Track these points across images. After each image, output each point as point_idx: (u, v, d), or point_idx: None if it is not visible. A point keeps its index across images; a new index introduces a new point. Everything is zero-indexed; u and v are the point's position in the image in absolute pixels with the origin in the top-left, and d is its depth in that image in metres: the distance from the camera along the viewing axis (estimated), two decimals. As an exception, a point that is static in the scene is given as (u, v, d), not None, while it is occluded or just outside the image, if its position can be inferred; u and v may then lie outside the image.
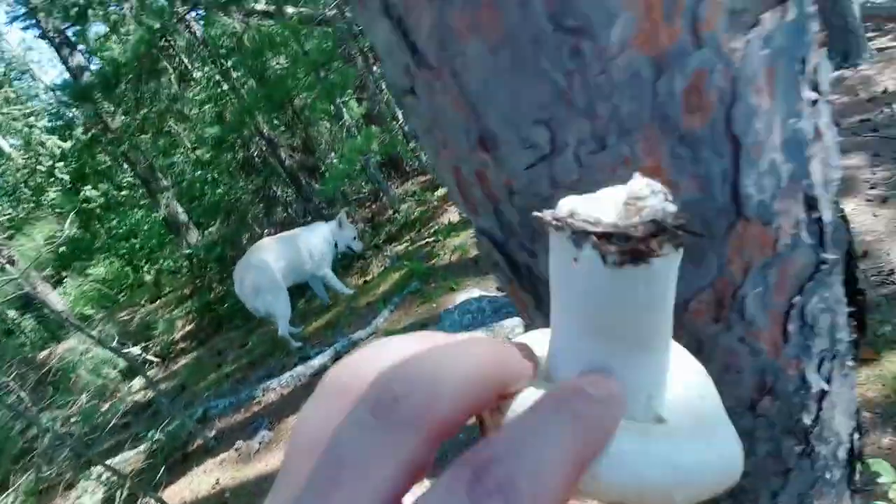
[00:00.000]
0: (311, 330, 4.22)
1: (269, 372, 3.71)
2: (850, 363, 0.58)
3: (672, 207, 0.19)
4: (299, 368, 3.41)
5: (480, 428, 0.23)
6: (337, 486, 0.16)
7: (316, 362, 3.45)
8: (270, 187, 6.31)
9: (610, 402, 0.19)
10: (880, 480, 1.12)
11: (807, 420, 0.51)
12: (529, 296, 0.52)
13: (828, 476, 0.58)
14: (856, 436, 0.62)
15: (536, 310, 0.53)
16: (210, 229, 6.42)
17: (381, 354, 0.21)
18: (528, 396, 0.21)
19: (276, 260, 4.09)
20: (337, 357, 3.44)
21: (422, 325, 3.42)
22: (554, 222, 0.20)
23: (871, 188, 3.21)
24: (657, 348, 0.22)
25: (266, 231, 5.78)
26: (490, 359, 0.19)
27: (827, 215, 0.44)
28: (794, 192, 0.41)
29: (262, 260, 4.08)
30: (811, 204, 0.42)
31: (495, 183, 0.43)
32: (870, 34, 5.72)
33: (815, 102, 0.41)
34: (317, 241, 4.29)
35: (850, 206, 3.11)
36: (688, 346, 0.48)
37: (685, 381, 0.25)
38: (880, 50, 5.24)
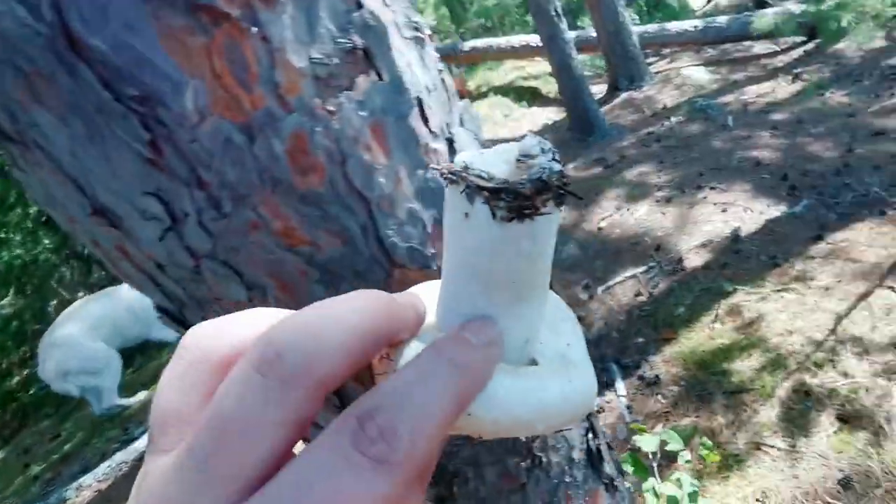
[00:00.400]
0: (137, 406, 3.59)
1: (85, 466, 3.09)
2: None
3: (557, 167, 0.20)
4: (119, 456, 2.83)
5: (370, 374, 0.24)
6: (225, 445, 0.16)
7: (139, 444, 2.85)
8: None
9: (489, 348, 0.21)
10: (644, 449, 1.27)
11: (523, 437, 0.54)
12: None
13: (568, 479, 0.63)
14: (590, 436, 0.68)
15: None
16: (2, 301, 5.27)
17: (238, 320, 0.21)
18: (415, 345, 0.22)
19: (93, 327, 3.46)
20: (171, 434, 2.99)
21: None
22: (449, 175, 0.20)
23: (659, 191, 3.79)
24: (535, 298, 0.24)
25: (81, 295, 4.91)
26: (375, 311, 0.19)
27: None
28: (446, 234, 0.43)
29: (67, 336, 3.41)
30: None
31: (138, 257, 0.39)
32: (649, 60, 6.85)
33: (452, 151, 0.44)
34: (140, 298, 3.72)
35: (643, 208, 3.64)
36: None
37: (556, 327, 0.27)
38: (658, 73, 6.31)
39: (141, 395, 3.57)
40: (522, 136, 0.22)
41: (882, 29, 2.58)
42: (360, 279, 0.40)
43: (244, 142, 0.33)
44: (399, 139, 0.38)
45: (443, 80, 0.44)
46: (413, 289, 0.28)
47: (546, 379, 0.23)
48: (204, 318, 0.44)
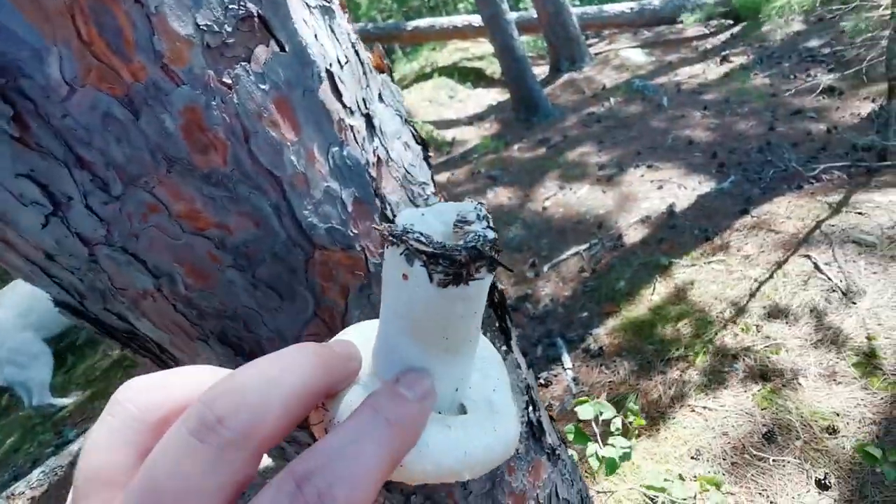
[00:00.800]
0: (71, 407, 3.36)
1: (16, 473, 2.87)
2: (504, 349, 0.64)
3: (492, 235, 0.22)
4: (52, 461, 2.66)
5: (307, 426, 0.24)
6: None
7: (76, 447, 2.69)
8: None
9: (423, 401, 0.22)
10: (583, 418, 1.33)
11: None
12: (149, 359, 0.45)
13: (508, 451, 0.64)
14: (531, 409, 0.69)
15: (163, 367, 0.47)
16: None
17: (176, 376, 0.20)
18: (351, 396, 0.23)
19: (21, 315, 3.15)
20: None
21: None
22: (390, 238, 0.21)
23: (600, 170, 3.91)
24: (467, 351, 0.26)
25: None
26: (313, 369, 0.20)
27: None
28: (368, 213, 0.42)
29: None
30: (392, 221, 0.44)
31: (23, 247, 0.35)
32: (588, 41, 6.99)
33: (371, 128, 0.42)
34: None
35: (585, 187, 3.74)
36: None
37: (485, 370, 0.29)
38: (598, 54, 6.45)
39: (74, 396, 3.33)
40: (461, 200, 0.24)
41: (800, 10, 2.74)
42: (278, 261, 0.38)
43: (127, 116, 0.30)
44: (309, 114, 0.36)
45: (357, 53, 0.42)
46: (350, 329, 0.29)
47: (472, 430, 0.25)
48: (107, 310, 0.40)
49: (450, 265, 0.22)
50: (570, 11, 5.87)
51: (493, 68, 7.13)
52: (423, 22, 7.68)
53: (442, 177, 4.60)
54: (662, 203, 3.24)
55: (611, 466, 1.35)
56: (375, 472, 0.18)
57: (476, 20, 6.58)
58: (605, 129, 4.60)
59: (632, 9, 6.42)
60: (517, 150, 4.78)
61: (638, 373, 2.23)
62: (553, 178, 4.06)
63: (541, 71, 6.31)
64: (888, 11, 2.27)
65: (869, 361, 1.87)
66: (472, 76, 7.23)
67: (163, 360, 0.45)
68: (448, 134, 5.66)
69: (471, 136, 5.51)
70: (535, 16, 6.09)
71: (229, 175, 0.34)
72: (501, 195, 4.06)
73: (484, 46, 7.62)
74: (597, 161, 4.06)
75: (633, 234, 3.08)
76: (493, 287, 0.60)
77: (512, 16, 5.19)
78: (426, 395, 0.22)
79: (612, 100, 5.13)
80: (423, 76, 7.29)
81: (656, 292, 2.57)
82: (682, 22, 5.74)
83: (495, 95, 6.56)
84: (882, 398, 1.75)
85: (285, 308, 0.40)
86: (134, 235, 0.34)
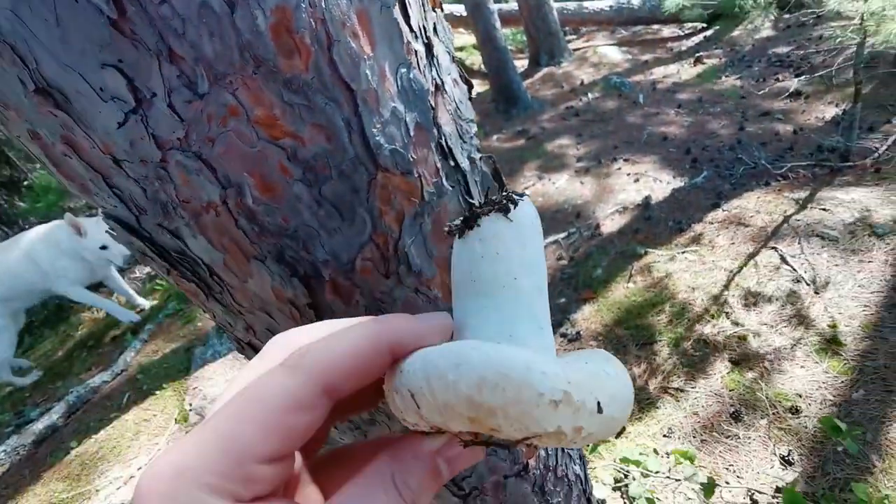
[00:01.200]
0: (30, 386, 3.22)
1: None
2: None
3: (508, 192, 0.29)
4: (13, 440, 2.52)
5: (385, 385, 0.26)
6: (247, 413, 0.20)
7: (40, 425, 2.56)
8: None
9: None
10: None
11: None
12: (194, 285, 0.45)
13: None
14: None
15: (211, 299, 0.47)
16: None
17: (308, 330, 0.27)
18: (416, 355, 0.24)
19: None
20: (71, 413, 2.68)
21: (186, 350, 2.99)
22: (449, 230, 0.30)
23: (578, 161, 3.98)
24: (502, 295, 0.27)
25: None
26: (379, 331, 0.24)
27: (465, 164, 0.48)
28: (426, 141, 0.42)
29: None
30: (445, 153, 0.44)
31: (91, 151, 0.34)
32: (568, 37, 7.08)
33: (431, 56, 0.43)
34: (43, 246, 2.93)
35: (563, 178, 3.81)
36: (368, 307, 0.47)
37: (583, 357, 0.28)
38: (576, 50, 6.54)
39: (36, 376, 3.18)
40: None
41: (769, 15, 2.86)
42: (344, 179, 0.38)
43: (223, 9, 0.30)
44: (384, 30, 0.36)
45: (419, -17, 0.43)
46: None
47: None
48: (161, 227, 0.40)
49: (467, 217, 0.28)
50: (552, 6, 5.93)
51: (474, 59, 7.13)
52: (404, 9, 7.61)
53: (421, 164, 4.58)
54: (638, 195, 3.33)
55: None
56: None
57: (459, 9, 6.56)
58: (583, 122, 4.68)
59: (611, 6, 6.53)
60: (496, 140, 4.81)
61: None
62: (532, 169, 4.11)
63: (520, 64, 6.35)
64: (858, 21, 2.39)
65: (830, 347, 1.98)
66: (451, 66, 7.21)
67: (208, 285, 0.44)
68: (427, 122, 5.64)
69: (450, 125, 5.51)
70: (517, 8, 6.12)
71: (309, 83, 0.34)
72: (481, 184, 4.09)
73: (465, 38, 7.61)
74: (575, 153, 4.14)
75: (610, 225, 3.16)
76: None
77: (495, 6, 5.20)
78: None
79: (590, 95, 5.22)
80: (402, 63, 7.23)
81: (632, 280, 2.65)
82: (661, 17, 5.87)
83: (475, 86, 6.57)
84: (842, 381, 1.86)
85: (344, 229, 0.41)
86: (210, 140, 0.34)
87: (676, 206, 3.12)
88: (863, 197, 2.59)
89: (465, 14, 5.54)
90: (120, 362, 2.93)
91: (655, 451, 1.86)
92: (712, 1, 4.31)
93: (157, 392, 2.74)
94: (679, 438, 1.91)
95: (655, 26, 6.64)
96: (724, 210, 2.91)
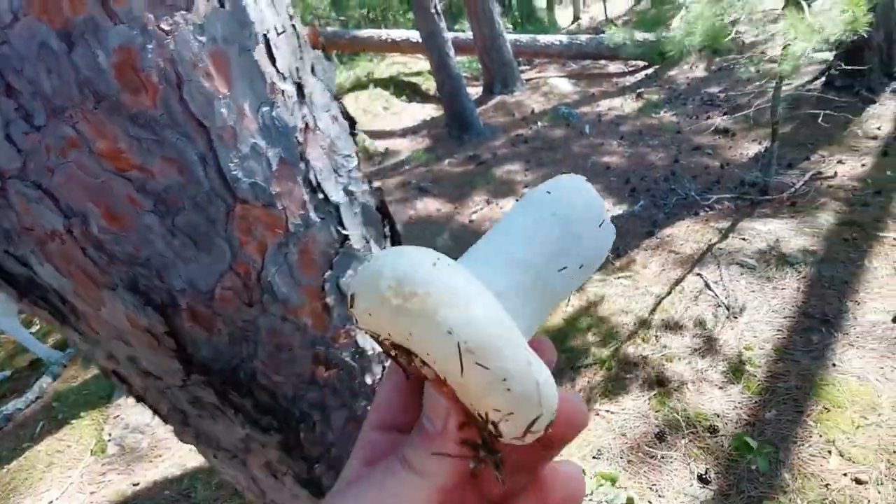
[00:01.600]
0: None
1: None
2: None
3: None
4: None
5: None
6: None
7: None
8: None
9: None
10: None
11: (369, 380, 0.57)
12: (47, 312, 0.45)
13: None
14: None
15: (67, 326, 0.46)
16: None
17: None
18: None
19: None
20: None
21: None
22: None
23: (525, 187, 4.10)
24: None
25: None
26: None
27: (339, 197, 0.50)
28: (292, 175, 0.44)
29: None
30: (314, 187, 0.47)
31: (-75, 175, 0.34)
32: (522, 67, 7.34)
33: (301, 95, 0.45)
34: None
35: (510, 203, 3.91)
36: (232, 335, 0.48)
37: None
38: (529, 80, 6.80)
39: None
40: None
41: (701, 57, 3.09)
42: (199, 211, 0.40)
43: (62, 48, 0.31)
44: (243, 72, 0.39)
45: (294, 27, 0.45)
46: None
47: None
48: (7, 254, 0.40)
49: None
50: (506, 37, 6.16)
51: (429, 84, 7.27)
52: (364, 32, 7.71)
53: (372, 185, 4.60)
54: (579, 222, 3.45)
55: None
56: None
57: (414, 35, 6.70)
58: (531, 150, 4.84)
59: (561, 41, 6.86)
60: (447, 164, 4.90)
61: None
62: (481, 193, 4.20)
63: (474, 91, 6.53)
64: (776, 65, 2.61)
65: (744, 369, 2.11)
66: (407, 90, 7.33)
67: (63, 313, 0.44)
68: (381, 144, 5.69)
69: (403, 147, 5.58)
70: (472, 37, 6.32)
71: (157, 118, 0.35)
72: (430, 206, 4.14)
73: (421, 63, 7.76)
74: (523, 179, 4.26)
75: (552, 250, 3.25)
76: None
77: (449, 35, 5.35)
78: None
79: (539, 124, 5.41)
80: (359, 86, 7.28)
81: (570, 304, 2.73)
82: (606, 53, 6.20)
83: (429, 111, 6.69)
84: (756, 401, 1.98)
85: (201, 259, 0.42)
86: (49, 170, 0.34)
87: (616, 233, 3.25)
88: (778, 228, 2.79)
89: (420, 41, 5.67)
90: (35, 388, 2.73)
91: (584, 472, 1.90)
92: (651, 41, 4.61)
93: (74, 421, 2.58)
94: (608, 459, 1.96)
95: (602, 62, 7.01)
96: (657, 238, 3.06)
